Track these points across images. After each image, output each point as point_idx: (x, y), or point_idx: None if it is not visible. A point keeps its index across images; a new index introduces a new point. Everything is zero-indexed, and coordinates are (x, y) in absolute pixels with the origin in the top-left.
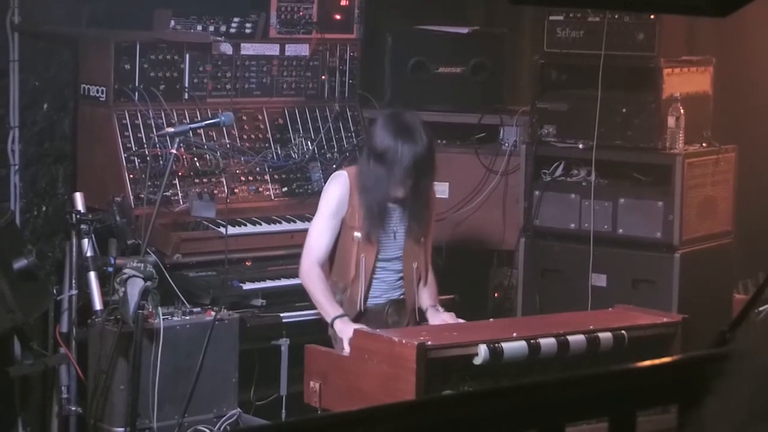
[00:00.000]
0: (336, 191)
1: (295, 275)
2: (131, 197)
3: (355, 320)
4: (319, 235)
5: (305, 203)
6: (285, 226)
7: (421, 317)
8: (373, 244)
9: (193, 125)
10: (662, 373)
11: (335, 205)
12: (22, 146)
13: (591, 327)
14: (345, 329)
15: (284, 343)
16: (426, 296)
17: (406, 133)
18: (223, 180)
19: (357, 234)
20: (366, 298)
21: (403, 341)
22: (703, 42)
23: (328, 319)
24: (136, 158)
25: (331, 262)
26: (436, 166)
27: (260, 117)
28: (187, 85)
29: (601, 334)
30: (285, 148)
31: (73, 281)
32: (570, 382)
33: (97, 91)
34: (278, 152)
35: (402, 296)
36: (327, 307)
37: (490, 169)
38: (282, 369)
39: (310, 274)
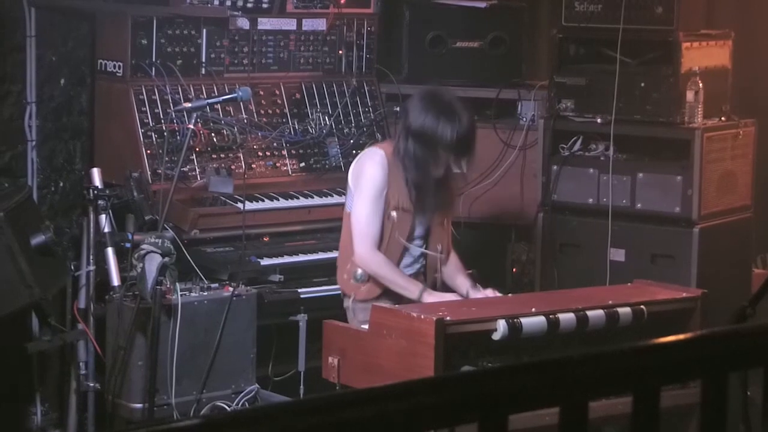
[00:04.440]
0: (378, 173)
1: (313, 251)
2: (148, 173)
3: (378, 298)
4: (369, 219)
5: (323, 178)
6: (302, 202)
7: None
8: (407, 223)
9: (210, 100)
10: (687, 349)
11: (380, 187)
12: (39, 121)
13: (610, 302)
14: (437, 299)
15: (302, 318)
16: (461, 279)
17: (448, 111)
18: (241, 155)
19: (393, 213)
20: None
21: (422, 316)
22: (722, 16)
23: (414, 297)
24: (153, 133)
25: None
26: (476, 148)
27: (277, 92)
28: (204, 60)
29: (620, 309)
30: (302, 123)
31: (91, 257)
32: (594, 358)
33: (114, 66)
34: (295, 127)
35: (422, 269)
36: (408, 285)
37: (508, 144)
38: (300, 344)
39: (376, 259)
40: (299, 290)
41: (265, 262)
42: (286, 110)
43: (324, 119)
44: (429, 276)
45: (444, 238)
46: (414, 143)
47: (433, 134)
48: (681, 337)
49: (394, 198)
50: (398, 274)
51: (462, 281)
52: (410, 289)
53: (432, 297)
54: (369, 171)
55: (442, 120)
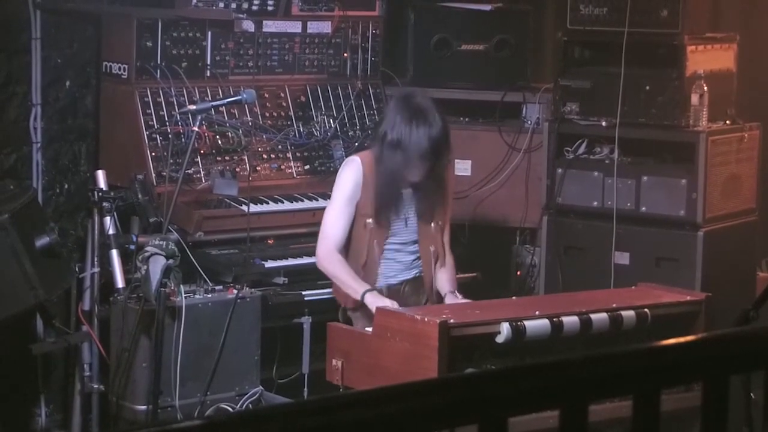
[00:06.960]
0: (350, 178)
1: None
2: (153, 175)
3: (361, 306)
4: (334, 222)
5: (327, 181)
6: (307, 204)
7: (440, 301)
8: (384, 229)
9: (215, 103)
10: (688, 351)
11: (350, 192)
12: (44, 123)
13: (614, 305)
14: (376, 302)
15: (306, 320)
16: (445, 280)
17: (420, 116)
18: (245, 158)
19: (369, 221)
20: (378, 279)
21: (426, 319)
22: (727, 19)
23: (358, 296)
24: (158, 136)
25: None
26: (452, 147)
27: (282, 94)
28: (209, 62)
29: (623, 313)
30: (307, 125)
31: (95, 259)
32: (595, 360)
33: (120, 69)
34: (300, 130)
35: (419, 275)
36: (354, 284)
37: (513, 147)
38: (304, 347)
39: (330, 258)
40: (303, 293)
41: (270, 264)
42: (291, 113)
43: (329, 122)
44: (427, 281)
45: (437, 240)
46: (389, 150)
47: (408, 140)
48: (682, 339)
49: (366, 207)
50: (348, 274)
51: (442, 284)
52: (356, 288)
53: (374, 299)
54: (342, 177)
55: (414, 125)
